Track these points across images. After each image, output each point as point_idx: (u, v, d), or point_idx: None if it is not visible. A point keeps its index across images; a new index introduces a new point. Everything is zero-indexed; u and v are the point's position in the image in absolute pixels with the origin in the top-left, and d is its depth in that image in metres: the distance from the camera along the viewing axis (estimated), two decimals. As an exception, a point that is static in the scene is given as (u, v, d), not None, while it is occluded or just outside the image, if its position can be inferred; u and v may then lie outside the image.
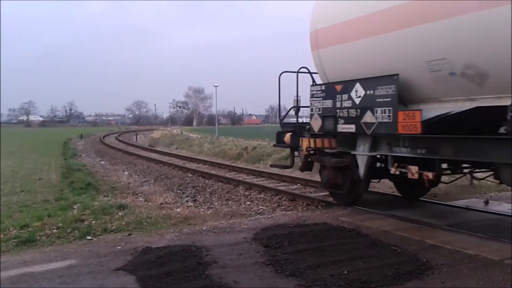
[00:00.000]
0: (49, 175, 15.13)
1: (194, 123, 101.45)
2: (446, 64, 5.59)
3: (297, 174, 13.03)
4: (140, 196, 10.54)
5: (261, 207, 8.81)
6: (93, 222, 7.44)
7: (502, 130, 5.25)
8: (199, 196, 10.51)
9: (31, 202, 9.99)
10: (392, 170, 6.69)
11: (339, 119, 7.27)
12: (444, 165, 6.55)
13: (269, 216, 7.44)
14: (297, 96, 8.51)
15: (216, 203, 9.48)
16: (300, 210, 8.13)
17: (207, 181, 12.61)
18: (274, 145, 9.91)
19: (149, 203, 9.39)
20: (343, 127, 7.21)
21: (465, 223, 6.50)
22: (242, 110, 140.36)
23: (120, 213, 8.08)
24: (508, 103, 4.93)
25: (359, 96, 6.85)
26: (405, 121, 6.04)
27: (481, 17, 5.02)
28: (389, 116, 6.30)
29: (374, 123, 6.56)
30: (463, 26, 5.21)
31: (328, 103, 7.52)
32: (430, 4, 5.60)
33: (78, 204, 9.03)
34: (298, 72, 8.37)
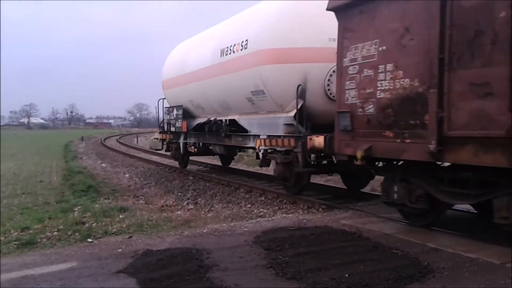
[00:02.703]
0: (50, 177, 15.15)
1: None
2: (194, 102, 13.45)
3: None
4: (141, 198, 10.54)
5: (262, 210, 8.80)
6: (94, 224, 7.45)
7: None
8: (199, 199, 10.50)
9: (32, 204, 10.00)
10: (189, 149, 14.69)
11: (171, 125, 15.13)
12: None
13: (270, 219, 7.43)
14: (163, 111, 16.36)
15: (217, 206, 9.48)
16: (301, 213, 8.12)
17: (207, 184, 12.61)
18: (154, 138, 18.79)
19: (150, 206, 9.40)
20: (172, 129, 15.06)
21: (466, 226, 6.48)
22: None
23: (121, 216, 8.10)
24: (211, 118, 12.63)
25: (175, 114, 14.62)
26: (184, 125, 13.96)
27: (199, 84, 12.55)
28: (181, 123, 14.13)
29: (178, 126, 14.38)
30: (197, 87, 12.75)
31: (168, 116, 15.48)
32: (191, 75, 13.08)
33: (79, 207, 9.05)
34: (163, 99, 16.40)
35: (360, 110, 6.60)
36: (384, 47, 6.24)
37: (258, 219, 7.62)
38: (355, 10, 6.71)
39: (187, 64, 13.46)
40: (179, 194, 11.36)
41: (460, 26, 5.23)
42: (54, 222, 7.62)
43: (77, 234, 6.78)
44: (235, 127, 11.39)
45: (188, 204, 9.88)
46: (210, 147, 13.73)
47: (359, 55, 6.64)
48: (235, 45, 10.38)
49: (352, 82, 6.77)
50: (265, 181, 12.45)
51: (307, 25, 8.43)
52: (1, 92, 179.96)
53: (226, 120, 11.69)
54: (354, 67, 6.73)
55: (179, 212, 8.75)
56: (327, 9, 7.28)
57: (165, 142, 16.40)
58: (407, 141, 5.87)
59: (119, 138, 48.74)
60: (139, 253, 5.31)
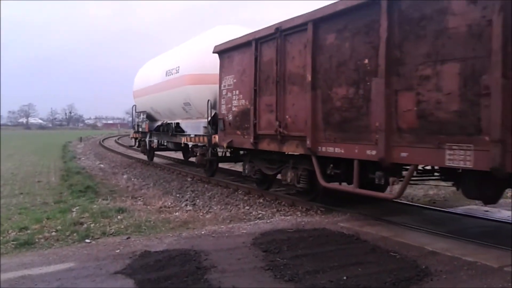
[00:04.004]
0: (48, 178, 15.12)
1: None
2: (153, 109, 17.36)
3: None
4: (139, 199, 10.52)
5: (260, 211, 8.80)
6: (92, 225, 7.44)
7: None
8: (198, 200, 10.49)
9: (30, 204, 9.97)
10: (152, 145, 18.28)
11: (139, 126, 18.90)
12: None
13: (268, 221, 7.43)
14: (135, 115, 19.98)
15: (215, 207, 9.47)
16: (299, 215, 8.12)
17: (206, 185, 12.60)
18: (130, 137, 22.72)
19: (148, 207, 9.38)
20: (140, 129, 18.92)
21: (464, 230, 6.49)
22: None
23: (119, 217, 8.09)
24: (164, 121, 16.48)
25: (141, 117, 18.47)
26: (146, 127, 17.85)
27: (156, 95, 16.50)
28: (145, 125, 17.93)
29: (143, 127, 18.16)
30: (155, 98, 16.65)
31: (137, 119, 19.32)
32: (151, 88, 16.99)
33: (77, 207, 9.04)
34: (135, 106, 20.21)
35: (227, 117, 10.39)
36: (235, 80, 10.00)
37: (256, 221, 7.62)
38: (226, 55, 10.47)
39: (149, 79, 17.55)
40: (178, 195, 11.35)
41: (262, 71, 8.95)
42: (52, 223, 7.61)
43: (75, 234, 6.77)
44: (179, 129, 15.02)
45: (186, 205, 9.87)
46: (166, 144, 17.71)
47: (226, 83, 10.39)
48: (173, 69, 14.64)
49: (223, 100, 10.54)
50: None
51: (216, 58, 11.02)
52: (0, 92, 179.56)
53: (173, 123, 15.50)
54: (224, 91, 10.51)
55: (177, 213, 8.74)
56: (213, 52, 10.90)
57: (137, 140, 20.65)
58: (245, 137, 9.59)
59: (118, 139, 48.67)
60: (137, 254, 5.30)
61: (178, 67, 14.09)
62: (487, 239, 5.76)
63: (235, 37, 10.04)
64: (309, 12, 7.57)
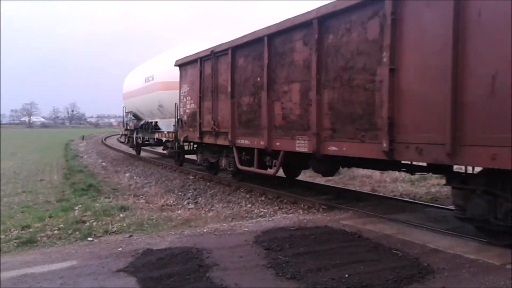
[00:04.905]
0: (50, 176, 15.17)
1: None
2: (138, 109, 20.38)
3: (298, 177, 13.00)
4: (141, 198, 10.55)
5: (262, 209, 8.80)
6: (94, 223, 7.46)
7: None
8: (200, 198, 10.50)
9: (32, 203, 10.02)
10: (138, 141, 21.08)
11: (127, 124, 22.54)
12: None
13: (270, 219, 7.43)
14: (124, 115, 22.85)
15: (217, 205, 9.48)
16: (301, 213, 8.11)
17: (208, 183, 12.60)
18: (121, 134, 27.64)
19: (150, 205, 9.41)
20: (128, 127, 22.40)
21: (466, 227, 6.48)
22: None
23: (121, 215, 8.12)
24: (146, 120, 19.94)
25: (129, 117, 22.36)
26: (132, 125, 21.38)
27: (139, 98, 19.47)
28: (132, 123, 21.66)
29: (130, 126, 21.87)
30: (138, 100, 19.61)
31: (126, 118, 22.80)
32: (135, 92, 19.93)
33: (80, 206, 9.07)
34: (124, 107, 22.67)
35: (183, 118, 13.04)
36: (188, 88, 12.60)
37: (258, 219, 7.62)
38: (183, 68, 13.04)
39: (134, 84, 20.35)
40: (180, 193, 11.37)
41: (205, 82, 11.45)
42: (54, 221, 7.64)
43: (77, 233, 6.80)
44: (157, 127, 17.83)
45: (188, 203, 9.89)
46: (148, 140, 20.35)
47: (183, 90, 13.05)
48: (149, 76, 17.84)
49: (181, 104, 13.21)
50: (265, 180, 12.46)
51: None
52: (1, 90, 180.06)
53: (153, 121, 18.38)
54: (182, 96, 13.12)
55: (179, 211, 8.76)
56: (174, 65, 13.36)
57: (126, 137, 23.41)
58: (195, 133, 12.10)
59: (120, 137, 48.64)
60: (139, 252, 5.31)
61: (153, 75, 17.17)
62: (490, 237, 5.74)
63: (194, 52, 12.30)
64: (230, 41, 10.10)
